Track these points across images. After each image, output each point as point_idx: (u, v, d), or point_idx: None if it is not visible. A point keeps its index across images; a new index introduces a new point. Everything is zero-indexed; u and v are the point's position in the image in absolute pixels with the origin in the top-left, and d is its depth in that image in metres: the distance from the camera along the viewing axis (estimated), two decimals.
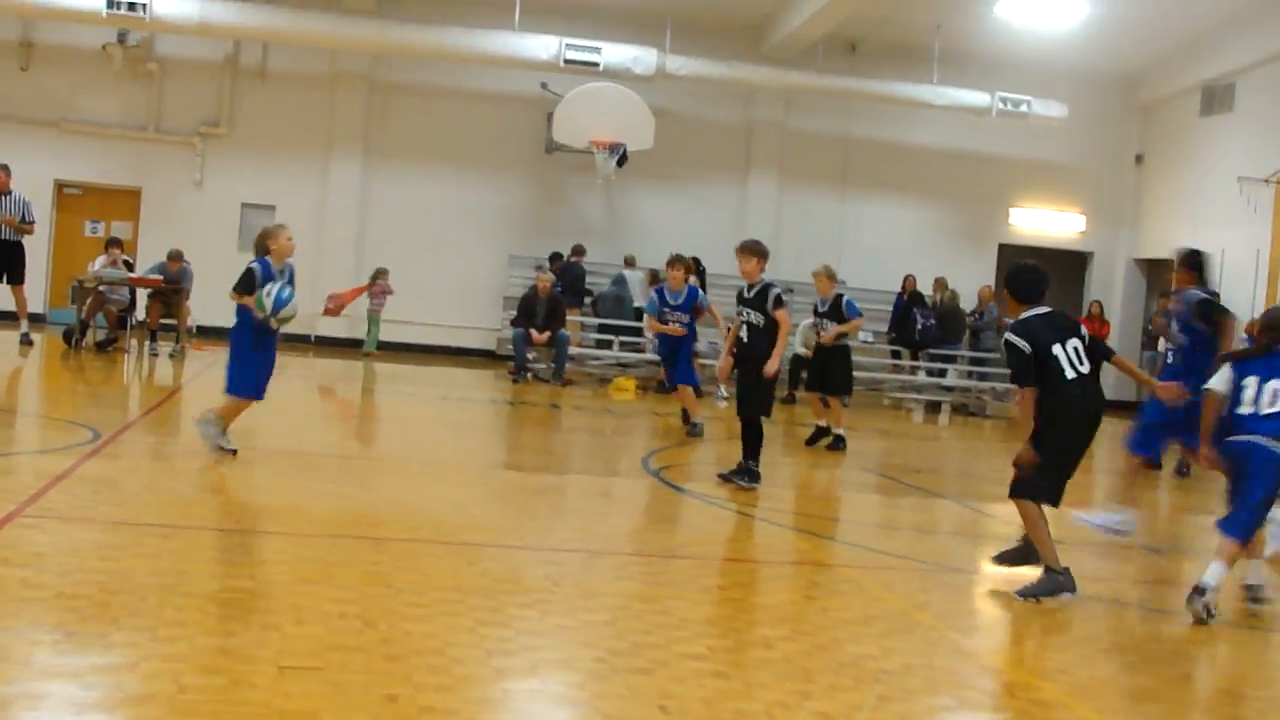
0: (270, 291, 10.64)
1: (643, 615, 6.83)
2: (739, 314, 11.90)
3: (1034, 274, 8.32)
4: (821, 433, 15.68)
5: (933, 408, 24.77)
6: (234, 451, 10.82)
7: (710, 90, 27.30)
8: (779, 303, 11.63)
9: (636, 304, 24.37)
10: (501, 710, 5.34)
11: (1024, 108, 26.75)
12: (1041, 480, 7.96)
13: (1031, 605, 7.88)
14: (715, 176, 28.29)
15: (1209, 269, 11.02)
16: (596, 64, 24.81)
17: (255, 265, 10.87)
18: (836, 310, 15.77)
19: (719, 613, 7.19)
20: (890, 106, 27.53)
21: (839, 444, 15.33)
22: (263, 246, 11.04)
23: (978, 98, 26.67)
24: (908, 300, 25.84)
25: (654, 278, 25.54)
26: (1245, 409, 8.02)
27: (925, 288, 26.61)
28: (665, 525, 10.11)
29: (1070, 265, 29.88)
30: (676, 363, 16.14)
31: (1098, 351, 8.19)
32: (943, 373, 25.48)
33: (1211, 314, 10.44)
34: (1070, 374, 7.92)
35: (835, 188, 28.60)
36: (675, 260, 16.40)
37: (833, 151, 28.57)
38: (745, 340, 11.71)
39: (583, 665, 5.92)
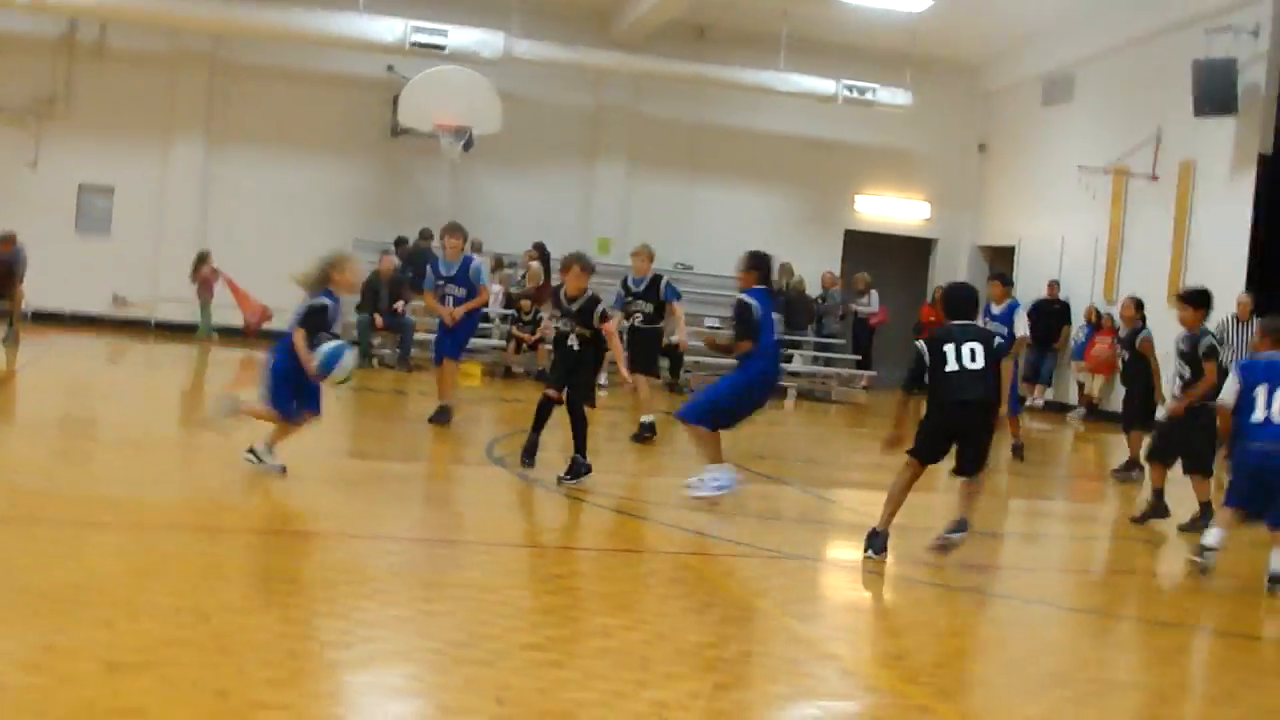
0: (325, 350, 9.90)
1: (483, 605, 6.84)
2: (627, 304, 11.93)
3: (965, 293, 9.61)
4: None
5: (778, 393, 24.99)
6: (282, 469, 10.16)
7: (558, 74, 27.26)
8: (604, 316, 11.52)
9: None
10: (335, 703, 5.31)
11: (870, 95, 27.06)
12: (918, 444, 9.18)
13: (869, 593, 8.01)
14: (563, 161, 28.28)
15: (770, 271, 11.16)
16: (443, 47, 24.63)
17: (327, 302, 9.98)
18: (654, 290, 15.70)
19: (559, 602, 7.21)
20: (738, 92, 27.71)
21: (644, 432, 14.66)
22: (326, 277, 10.06)
23: (824, 85, 26.93)
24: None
25: (499, 263, 25.50)
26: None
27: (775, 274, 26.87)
28: (508, 514, 10.11)
29: (914, 251, 30.35)
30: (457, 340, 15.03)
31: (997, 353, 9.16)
32: (789, 358, 25.71)
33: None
34: (953, 367, 8.96)
35: (684, 173, 28.74)
36: (453, 229, 15.06)
37: (681, 137, 28.70)
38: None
39: (420, 657, 5.92)
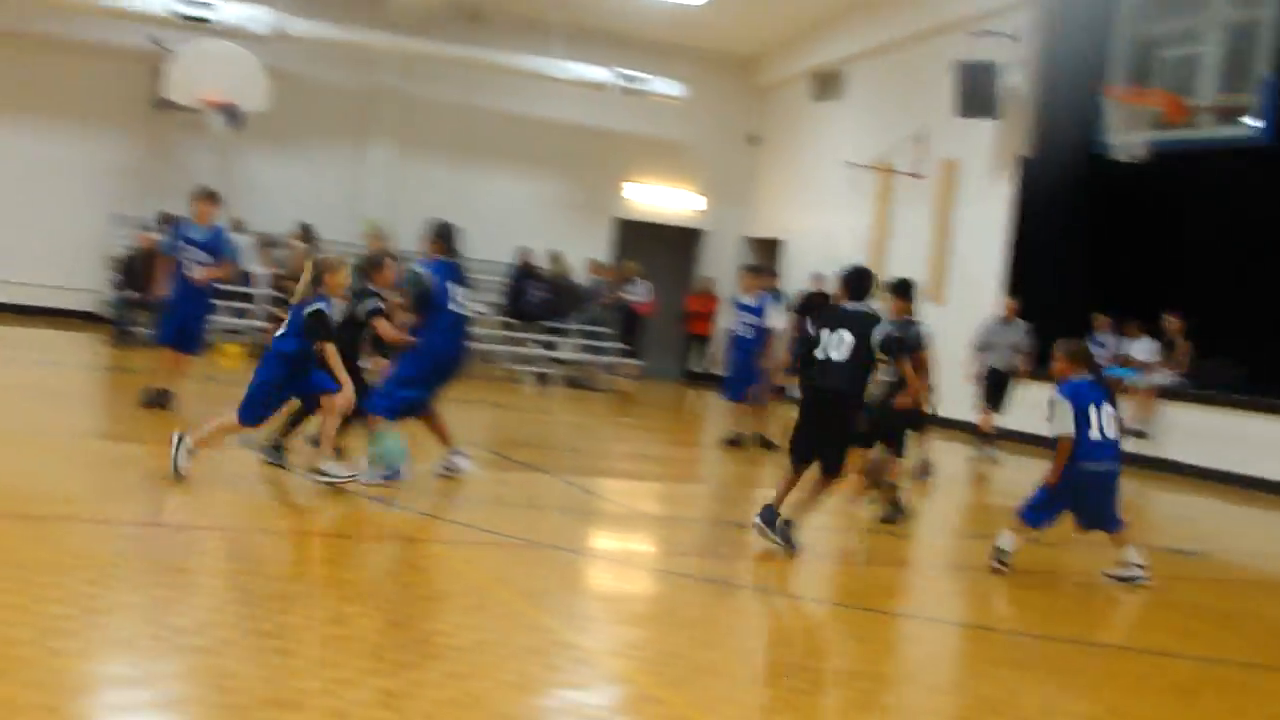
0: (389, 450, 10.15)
1: (215, 592, 6.71)
2: None
3: (863, 276, 9.77)
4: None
5: (543, 379, 25.01)
6: (353, 477, 10.03)
7: (330, 53, 26.86)
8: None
9: (246, 269, 23.81)
10: (48, 693, 5.14)
11: (643, 85, 27.22)
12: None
13: (613, 583, 8.04)
14: (334, 142, 27.89)
15: (454, 241, 11.19)
16: (210, 20, 24.10)
17: (323, 306, 9.80)
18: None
19: (296, 589, 7.10)
20: (512, 77, 27.63)
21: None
22: (319, 280, 9.90)
23: (599, 73, 27.01)
24: (521, 272, 26.03)
25: (267, 242, 25.04)
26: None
27: (542, 259, 26.89)
28: (258, 500, 9.91)
29: (684, 242, 30.65)
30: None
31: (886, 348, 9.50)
32: (553, 345, 25.77)
33: None
34: (820, 355, 9.34)
35: (456, 157, 28.57)
36: (204, 193, 14.54)
37: (454, 120, 28.51)
38: None
39: (144, 645, 5.76)
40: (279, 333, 9.98)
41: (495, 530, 9.32)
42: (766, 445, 16.46)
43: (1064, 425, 9.19)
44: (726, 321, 16.86)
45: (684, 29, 27.23)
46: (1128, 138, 16.48)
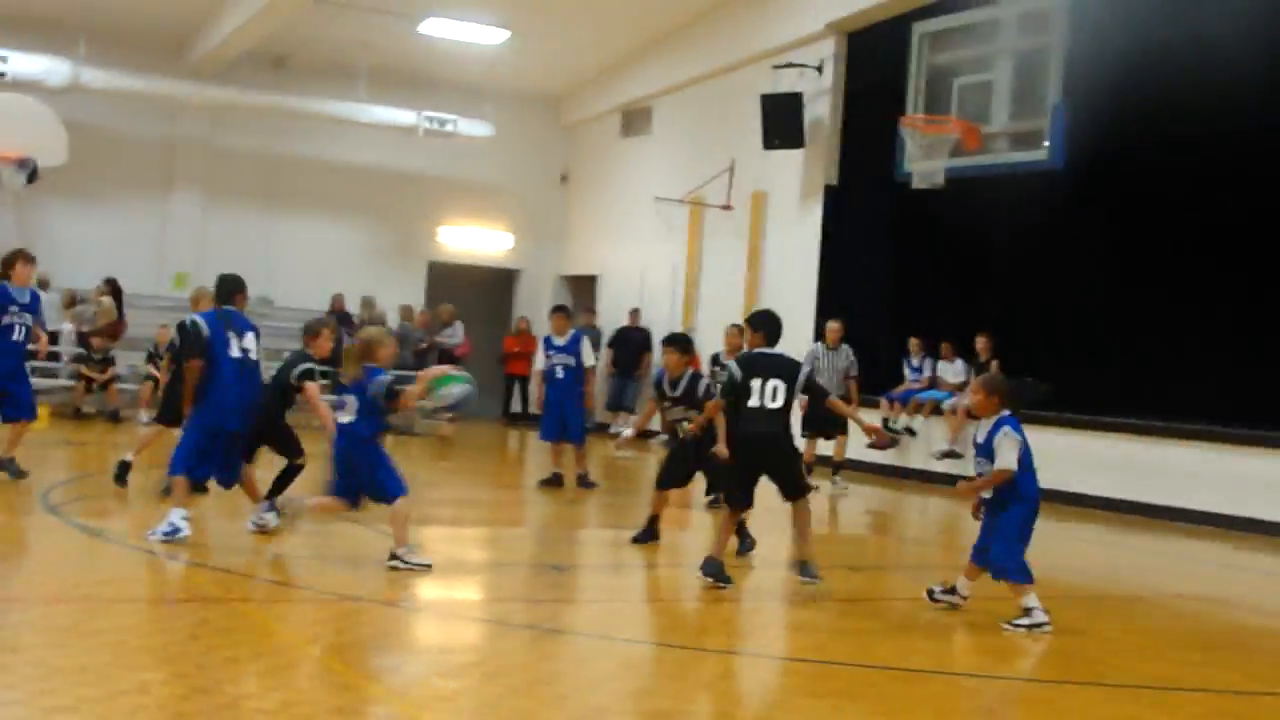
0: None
1: (10, 667, 6.48)
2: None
3: (777, 321, 10.40)
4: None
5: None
6: (429, 566, 9.91)
7: (130, 104, 26.33)
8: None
9: (51, 327, 23.20)
10: None
11: (451, 126, 27.17)
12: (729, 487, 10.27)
13: (426, 635, 7.95)
14: (138, 193, 27.31)
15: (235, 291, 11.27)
16: (3, 74, 23.53)
17: (391, 380, 9.83)
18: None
19: (96, 660, 6.87)
20: (319, 124, 27.39)
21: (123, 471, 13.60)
22: (370, 353, 9.94)
23: (405, 116, 26.90)
24: (334, 319, 25.66)
25: (72, 299, 24.47)
26: None
27: (355, 305, 26.66)
28: (56, 566, 9.62)
29: (498, 283, 30.61)
30: None
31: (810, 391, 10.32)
32: None
33: None
34: (754, 403, 9.85)
35: (263, 205, 28.15)
36: (23, 255, 14.10)
37: (260, 169, 28.13)
38: None
39: None
40: (346, 419, 9.87)
41: (308, 586, 9.16)
42: (586, 485, 16.45)
43: (1009, 460, 9.12)
44: (540, 362, 16.79)
45: (489, 69, 27.23)
46: (926, 165, 16.83)
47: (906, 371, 21.45)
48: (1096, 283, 19.62)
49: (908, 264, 22.05)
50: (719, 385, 10.69)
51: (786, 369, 10.10)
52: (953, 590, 9.59)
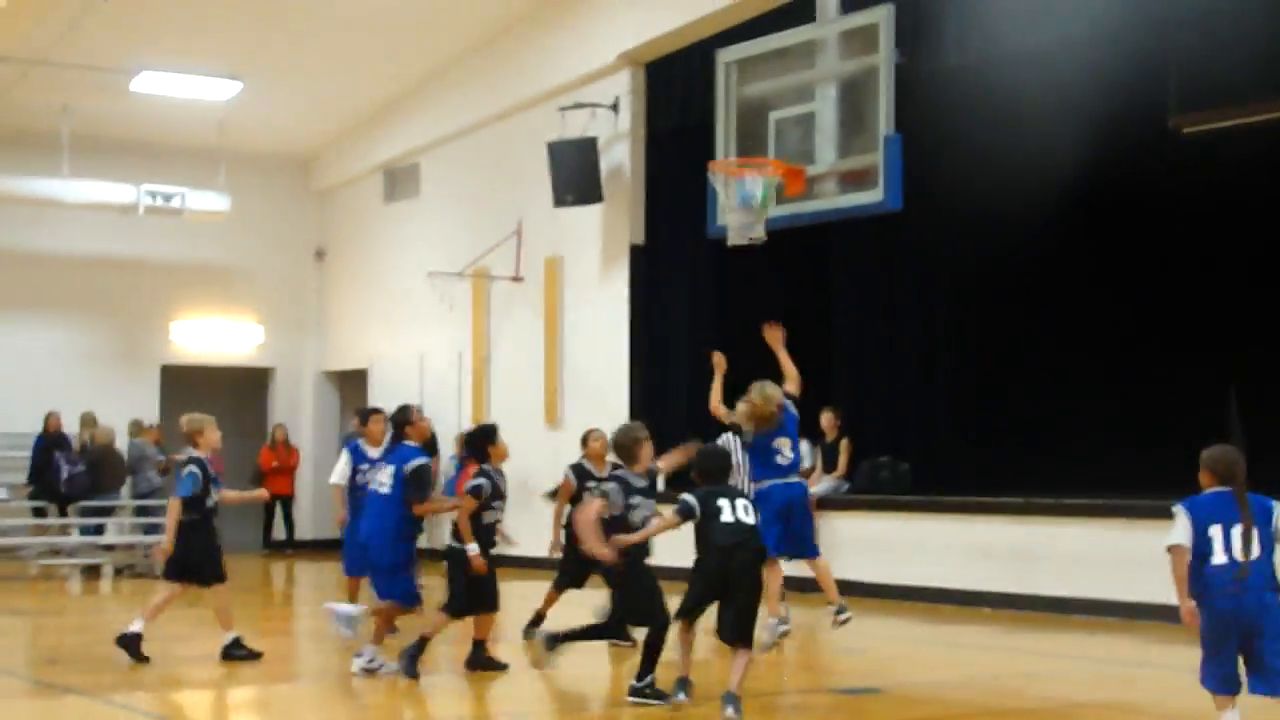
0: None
1: None
2: None
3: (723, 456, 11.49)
4: None
5: (92, 572, 24.07)
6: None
7: None
8: None
9: None
10: None
11: (178, 201, 26.65)
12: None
13: None
14: None
15: None
16: None
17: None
18: None
19: None
20: (14, 207, 26.69)
21: None
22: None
23: (122, 191, 26.30)
24: (49, 443, 24.98)
25: None
26: None
27: (76, 425, 25.93)
28: None
29: (249, 384, 30.14)
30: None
31: None
32: (100, 529, 24.88)
33: None
34: (728, 518, 10.45)
35: None
36: None
37: None
38: None
39: None
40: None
41: None
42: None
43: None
44: (341, 474, 16.12)
45: (220, 130, 26.85)
46: (742, 217, 16.80)
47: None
48: (958, 341, 19.95)
49: (735, 331, 22.08)
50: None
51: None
52: None
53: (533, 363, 24.38)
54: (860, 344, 21.50)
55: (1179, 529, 8.97)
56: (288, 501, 28.29)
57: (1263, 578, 8.81)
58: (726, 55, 17.71)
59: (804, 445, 20.72)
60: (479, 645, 12.74)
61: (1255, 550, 8.80)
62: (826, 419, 20.31)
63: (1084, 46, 17.65)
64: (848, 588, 19.17)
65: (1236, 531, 8.83)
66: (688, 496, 10.70)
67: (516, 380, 24.78)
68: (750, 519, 10.58)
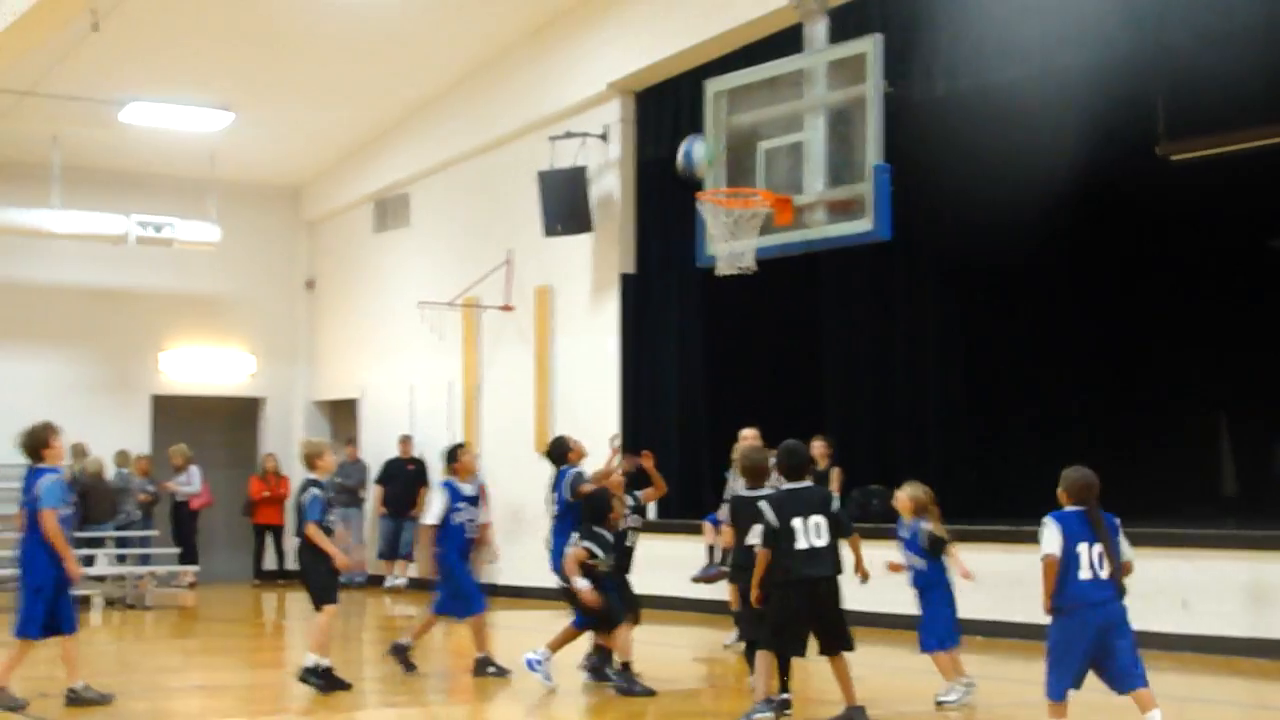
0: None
1: None
2: None
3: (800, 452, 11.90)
4: None
5: (81, 604, 23.93)
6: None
7: None
8: None
9: None
10: None
11: (168, 231, 26.65)
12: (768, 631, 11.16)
13: None
14: None
15: None
16: None
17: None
18: None
19: None
20: (6, 238, 26.66)
21: None
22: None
23: (112, 222, 26.28)
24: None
25: None
26: None
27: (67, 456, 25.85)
28: None
29: (239, 414, 30.08)
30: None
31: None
32: (90, 560, 24.76)
33: None
34: (802, 544, 10.86)
35: None
36: None
37: None
38: None
39: None
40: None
41: None
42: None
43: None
44: (436, 515, 15.26)
45: (211, 160, 26.84)
46: (732, 246, 16.82)
47: (731, 485, 21.44)
48: (948, 370, 19.94)
49: (726, 360, 22.12)
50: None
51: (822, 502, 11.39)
52: None
53: (523, 391, 24.35)
54: (850, 373, 21.45)
55: (1051, 539, 9.87)
56: (278, 531, 28.18)
57: (1117, 589, 9.84)
58: (716, 85, 17.72)
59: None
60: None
61: (1109, 566, 9.80)
62: (818, 448, 20.20)
63: (1073, 75, 17.68)
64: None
65: (1096, 549, 9.81)
66: (763, 505, 11.26)
67: (507, 409, 24.75)
68: (823, 540, 11.04)
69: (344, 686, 13.40)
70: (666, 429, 21.91)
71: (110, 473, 25.49)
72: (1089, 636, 9.75)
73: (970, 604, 17.95)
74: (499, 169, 25.24)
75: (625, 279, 23.00)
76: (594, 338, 23.25)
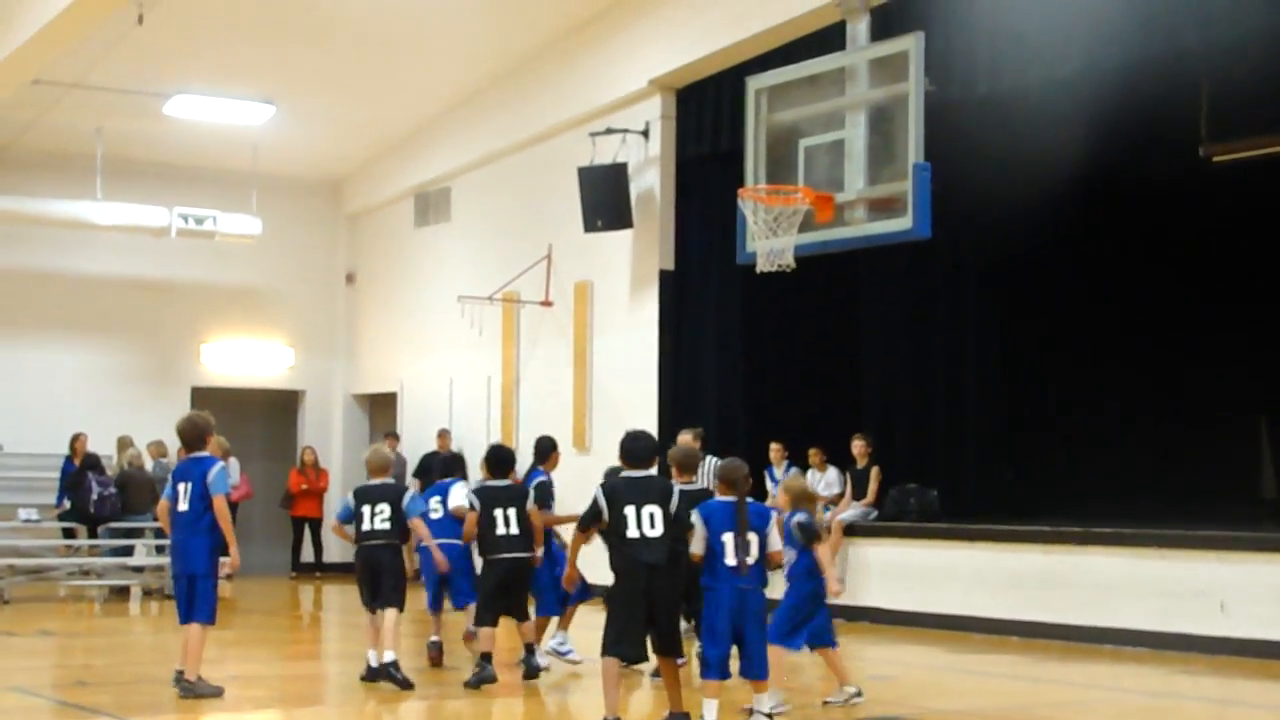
0: None
1: None
2: None
3: (643, 441, 11.50)
4: None
5: (120, 594, 24.07)
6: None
7: None
8: None
9: None
10: None
11: (210, 224, 26.73)
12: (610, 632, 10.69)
13: None
14: None
15: None
16: None
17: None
18: None
19: None
20: (47, 228, 26.75)
21: None
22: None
23: (154, 214, 26.36)
24: (81, 465, 24.98)
25: None
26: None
27: (106, 446, 25.87)
28: None
29: (279, 407, 30.17)
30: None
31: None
32: (129, 550, 24.87)
33: None
34: (633, 534, 10.58)
35: None
36: None
37: None
38: None
39: None
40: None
41: None
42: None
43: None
44: None
45: (253, 154, 26.93)
46: (772, 244, 16.82)
47: (769, 484, 21.41)
48: (986, 369, 19.88)
49: (765, 357, 22.11)
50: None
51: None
52: None
53: (562, 387, 24.34)
54: (889, 371, 21.44)
55: (697, 536, 10.57)
56: (316, 524, 28.21)
57: (757, 578, 10.50)
58: (757, 82, 17.72)
59: (832, 472, 20.73)
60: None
61: (754, 554, 10.42)
62: (857, 446, 20.23)
63: (1114, 75, 17.61)
64: (876, 615, 19.22)
65: (739, 538, 10.42)
66: (597, 491, 11.00)
67: (545, 404, 24.72)
68: (656, 530, 10.64)
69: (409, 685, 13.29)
70: (705, 425, 21.88)
71: (149, 464, 25.57)
72: (729, 619, 10.39)
73: (1006, 603, 18.05)
74: (540, 164, 25.23)
75: (664, 275, 22.96)
76: (633, 334, 23.22)
